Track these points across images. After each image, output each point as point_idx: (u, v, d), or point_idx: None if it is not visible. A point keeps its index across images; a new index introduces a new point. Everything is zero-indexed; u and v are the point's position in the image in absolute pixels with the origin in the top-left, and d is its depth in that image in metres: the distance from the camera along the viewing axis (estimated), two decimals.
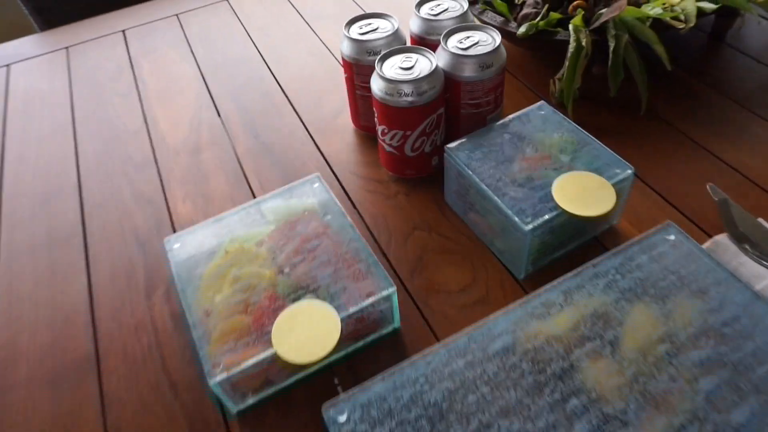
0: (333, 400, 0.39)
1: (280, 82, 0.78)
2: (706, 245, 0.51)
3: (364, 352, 0.48)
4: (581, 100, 0.66)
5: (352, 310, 0.44)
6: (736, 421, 0.36)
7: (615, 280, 0.43)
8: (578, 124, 0.55)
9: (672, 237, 0.45)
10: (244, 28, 0.90)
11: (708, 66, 0.73)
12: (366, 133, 0.68)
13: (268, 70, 0.80)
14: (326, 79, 0.77)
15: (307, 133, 0.70)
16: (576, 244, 0.53)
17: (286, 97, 0.75)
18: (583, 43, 0.60)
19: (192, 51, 0.86)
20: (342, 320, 0.44)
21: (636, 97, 0.64)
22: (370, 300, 0.45)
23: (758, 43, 0.75)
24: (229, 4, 0.96)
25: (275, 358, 0.43)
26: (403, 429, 0.37)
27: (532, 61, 0.76)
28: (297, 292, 0.46)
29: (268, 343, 0.43)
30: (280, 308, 0.45)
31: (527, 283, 0.52)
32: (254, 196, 0.63)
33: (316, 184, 0.54)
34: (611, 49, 0.61)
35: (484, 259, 0.54)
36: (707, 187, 0.55)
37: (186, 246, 0.51)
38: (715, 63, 0.74)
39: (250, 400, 0.46)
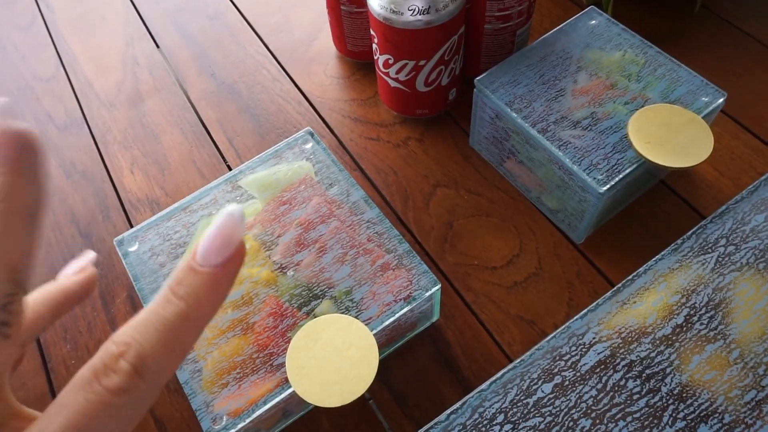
0: None
1: None
2: None
3: (396, 352, 0.38)
4: (619, 1, 0.53)
5: (387, 321, 0.34)
6: None
7: (728, 253, 0.33)
8: None
9: None
10: None
11: None
12: (355, 61, 0.53)
13: None
14: None
15: (277, 65, 0.54)
16: (643, 191, 0.43)
17: (243, 17, 0.59)
18: None
19: None
20: (376, 336, 0.33)
21: None
22: (410, 306, 0.34)
23: None
24: None
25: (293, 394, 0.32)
26: None
27: None
28: (308, 301, 0.35)
29: (283, 378, 0.32)
30: (291, 325, 0.34)
31: (589, 248, 0.41)
32: (222, 157, 0.49)
33: (309, 144, 0.41)
34: None
35: (530, 220, 0.43)
36: None
37: (147, 246, 0.38)
38: None
39: None
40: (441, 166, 0.46)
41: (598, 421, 0.29)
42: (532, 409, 0.30)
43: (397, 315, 0.34)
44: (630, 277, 0.33)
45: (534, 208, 0.43)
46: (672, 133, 0.37)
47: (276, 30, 0.57)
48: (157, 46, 0.57)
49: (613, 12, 0.50)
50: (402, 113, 0.48)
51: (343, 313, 0.34)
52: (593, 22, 0.43)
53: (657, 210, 0.42)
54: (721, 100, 0.38)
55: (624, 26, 0.43)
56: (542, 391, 0.30)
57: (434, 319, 0.39)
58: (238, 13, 0.59)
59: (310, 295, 0.35)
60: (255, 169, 0.40)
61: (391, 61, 0.43)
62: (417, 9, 0.39)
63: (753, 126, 0.46)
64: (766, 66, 0.49)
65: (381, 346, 0.37)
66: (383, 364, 0.38)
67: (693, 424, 0.29)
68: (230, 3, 0.60)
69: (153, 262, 0.37)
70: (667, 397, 0.29)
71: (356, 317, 0.33)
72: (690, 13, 0.53)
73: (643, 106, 0.38)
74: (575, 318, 0.32)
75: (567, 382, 0.30)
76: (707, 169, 0.44)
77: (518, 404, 0.30)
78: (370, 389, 0.37)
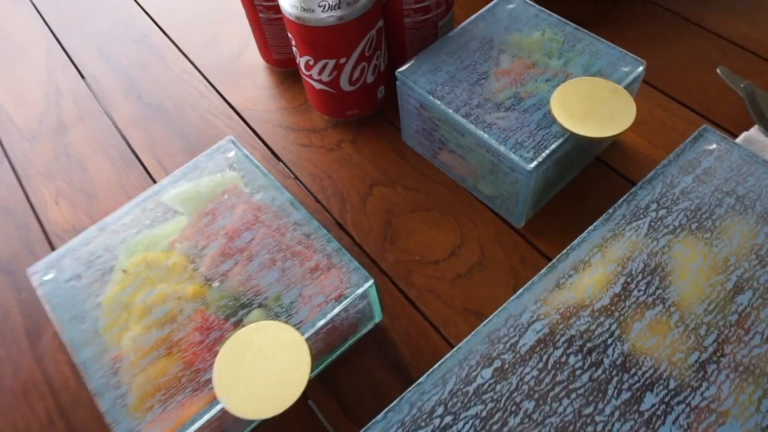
0: None
1: (157, 21, 0.60)
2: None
3: (342, 358, 0.37)
4: None
5: (319, 323, 0.32)
6: None
7: (660, 217, 0.32)
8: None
9: (713, 146, 0.35)
10: None
11: None
12: (284, 69, 0.52)
13: (137, 5, 0.61)
14: (219, 6, 0.60)
15: (205, 82, 0.53)
16: (578, 170, 0.42)
17: (169, 38, 0.58)
18: None
19: None
20: (308, 340, 0.31)
21: None
22: (343, 304, 0.32)
23: None
24: None
25: (224, 414, 0.30)
26: None
27: None
28: (236, 311, 0.33)
29: (211, 394, 0.30)
30: (218, 338, 0.32)
31: (530, 232, 0.40)
32: (153, 179, 0.47)
33: (232, 152, 0.39)
34: None
35: (470, 210, 0.42)
36: (717, 71, 0.45)
37: (67, 273, 0.36)
38: None
39: None
40: (376, 165, 0.45)
41: (541, 402, 0.28)
42: (472, 397, 0.28)
43: (329, 316, 0.32)
44: (564, 251, 0.32)
45: (472, 197, 0.42)
46: (595, 104, 0.36)
47: (203, 47, 0.56)
48: (81, 76, 0.56)
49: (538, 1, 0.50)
50: (332, 116, 0.47)
51: (273, 319, 0.32)
52: (511, 6, 0.43)
53: (594, 187, 0.42)
54: (641, 68, 0.38)
55: (541, 7, 0.42)
56: (482, 377, 0.28)
57: (377, 320, 0.37)
58: (163, 34, 0.58)
59: (238, 305, 0.33)
60: (177, 183, 0.39)
61: (311, 63, 0.42)
62: (328, 5, 0.38)
63: (678, 94, 0.46)
64: (686, 37, 0.50)
65: (321, 352, 0.35)
66: (328, 372, 0.36)
67: (639, 393, 0.27)
68: (155, 26, 0.59)
69: (75, 289, 0.35)
70: (611, 369, 0.28)
71: (286, 322, 0.32)
72: None
73: (564, 82, 0.37)
74: (511, 299, 0.31)
75: (507, 365, 0.29)
76: (639, 141, 0.44)
77: (458, 393, 0.28)
78: (315, 399, 0.36)
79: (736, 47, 0.49)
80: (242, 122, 0.49)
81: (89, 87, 0.54)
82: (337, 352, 0.36)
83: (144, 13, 0.61)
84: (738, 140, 0.41)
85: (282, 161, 0.47)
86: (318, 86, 0.44)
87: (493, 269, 0.39)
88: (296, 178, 0.45)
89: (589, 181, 0.42)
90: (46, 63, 0.57)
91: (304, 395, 0.35)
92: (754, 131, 0.40)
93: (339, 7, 0.38)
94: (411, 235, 0.41)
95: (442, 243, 0.41)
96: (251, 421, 0.34)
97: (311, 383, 0.36)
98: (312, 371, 0.35)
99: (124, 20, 0.60)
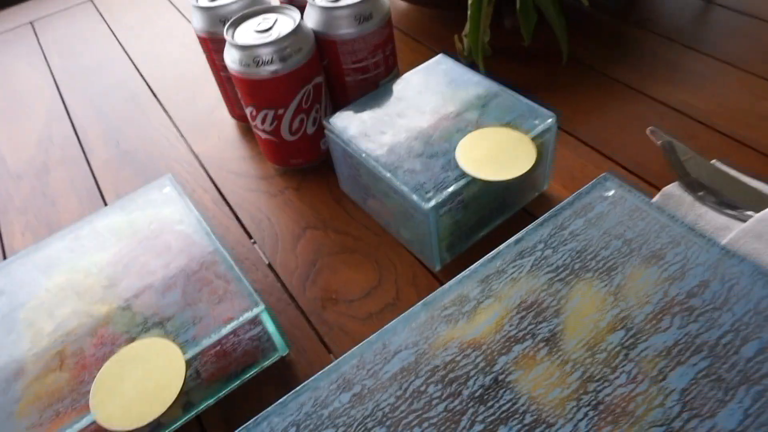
0: None
1: (149, 83, 0.66)
2: (655, 200, 0.41)
3: (242, 388, 0.37)
4: (496, 56, 0.57)
5: (205, 343, 0.33)
6: (725, 427, 0.25)
7: (545, 256, 0.33)
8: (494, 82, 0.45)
9: (611, 192, 0.35)
10: (111, 29, 0.77)
11: (630, 3, 0.64)
12: (247, 124, 0.56)
13: (135, 71, 0.68)
14: (203, 72, 0.66)
15: (177, 133, 0.58)
16: (501, 219, 0.43)
17: (155, 97, 0.63)
18: None
19: (47, 60, 0.73)
20: (191, 360, 0.32)
21: (556, 46, 0.55)
22: (230, 327, 0.33)
23: None
24: (95, 5, 0.83)
25: (98, 426, 0.31)
26: None
27: (434, 21, 0.66)
28: (134, 329, 0.34)
29: (86, 407, 0.31)
30: (109, 353, 0.33)
31: (445, 275, 0.41)
32: None
33: (167, 188, 0.42)
34: None
35: (392, 254, 0.43)
36: (648, 131, 0.46)
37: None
38: None
39: None
40: (313, 210, 0.47)
41: (393, 429, 0.27)
42: (325, 420, 0.28)
43: (215, 336, 0.33)
44: (445, 285, 0.32)
45: (396, 242, 0.44)
46: (498, 151, 0.38)
47: (183, 104, 0.61)
48: (73, 126, 0.61)
49: (486, 65, 0.53)
50: (278, 164, 0.50)
51: (164, 338, 0.33)
52: (443, 66, 0.46)
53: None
54: (551, 120, 0.40)
55: (472, 70, 0.45)
56: (339, 402, 0.28)
57: (282, 353, 0.38)
58: (151, 93, 0.64)
59: (137, 323, 0.35)
60: (113, 214, 0.42)
61: (254, 113, 0.46)
62: (262, 60, 0.42)
63: (613, 153, 0.47)
64: (626, 102, 0.52)
65: (215, 378, 0.36)
66: (227, 401, 0.37)
67: (492, 426, 0.27)
68: (146, 86, 0.65)
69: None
70: (468, 401, 0.28)
71: (173, 341, 0.33)
72: (558, 64, 0.56)
73: (475, 131, 0.39)
74: (385, 327, 0.31)
75: (366, 391, 0.29)
76: (560, 190, 0.44)
77: (312, 416, 0.28)
78: (211, 425, 0.36)
79: (675, 112, 0.50)
80: (201, 168, 0.53)
81: (77, 135, 0.60)
82: (237, 382, 0.37)
83: (140, 77, 0.67)
84: (657, 195, 0.41)
85: (228, 203, 0.49)
86: (263, 135, 0.47)
87: (405, 309, 0.39)
88: (237, 218, 0.48)
89: (511, 232, 0.42)
90: (46, 115, 0.64)
91: (201, 426, 0.36)
92: (674, 186, 0.41)
93: (272, 63, 0.42)
94: (332, 275, 0.42)
95: (360, 284, 0.41)
96: None
97: (211, 419, 0.36)
98: (205, 397, 0.36)
99: (122, 81, 0.67)
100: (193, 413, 0.36)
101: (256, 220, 0.47)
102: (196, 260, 0.37)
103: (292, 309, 0.41)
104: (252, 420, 0.28)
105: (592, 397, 0.27)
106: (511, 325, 0.30)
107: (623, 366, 0.28)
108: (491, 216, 0.42)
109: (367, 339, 0.30)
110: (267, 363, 0.38)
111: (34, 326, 0.36)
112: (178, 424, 0.35)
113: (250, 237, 0.46)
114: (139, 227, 0.40)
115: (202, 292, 0.35)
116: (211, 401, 0.36)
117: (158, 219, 0.40)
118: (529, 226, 0.34)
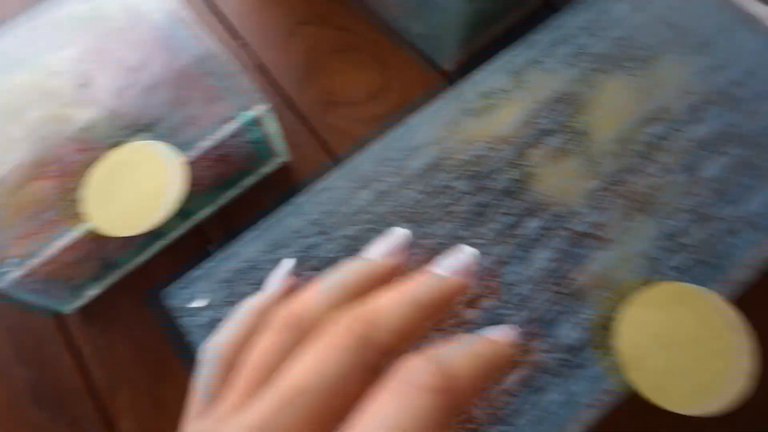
0: (180, 281, 0.26)
1: None
2: None
3: (242, 197, 0.35)
4: None
5: (202, 145, 0.30)
6: (751, 211, 0.25)
7: (585, 44, 0.29)
8: None
9: None
10: None
11: None
12: None
13: None
14: None
15: None
16: (523, 11, 0.38)
17: None
18: None
19: None
20: (189, 163, 0.29)
21: None
22: (230, 127, 0.30)
23: None
24: None
25: (95, 234, 0.28)
26: None
27: None
28: (123, 134, 0.31)
29: (77, 215, 0.29)
30: (95, 158, 0.30)
31: (459, 75, 0.37)
32: None
33: None
34: None
35: (400, 54, 0.38)
36: None
37: None
38: None
39: (92, 291, 0.33)
40: (306, 2, 0.41)
41: (418, 224, 0.26)
42: (345, 219, 0.26)
43: (213, 137, 0.30)
44: (473, 77, 0.29)
45: (405, 41, 0.39)
46: None
47: None
48: None
49: None
50: None
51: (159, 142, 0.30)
52: None
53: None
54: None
55: None
56: (360, 199, 0.27)
57: (283, 158, 0.35)
58: None
59: (122, 127, 0.31)
60: (69, 1, 0.35)
61: None
62: None
63: None
64: None
65: (214, 184, 0.33)
66: (227, 210, 0.35)
67: (519, 218, 0.25)
68: None
69: None
70: (495, 195, 0.26)
71: (169, 143, 0.30)
72: None
73: None
74: (407, 120, 0.28)
75: (388, 187, 0.27)
76: None
77: (333, 215, 0.26)
78: (214, 239, 0.34)
79: None
80: None
81: None
82: (237, 190, 0.35)
83: None
84: None
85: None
86: None
87: (414, 111, 0.36)
88: (221, 12, 0.42)
89: (534, 26, 0.38)
90: None
91: (202, 233, 0.34)
92: None
93: None
94: (333, 75, 0.38)
95: (364, 85, 0.38)
96: (139, 251, 0.33)
97: (211, 228, 0.34)
98: (204, 205, 0.34)
99: None
100: (191, 221, 0.34)
101: (243, 15, 0.41)
102: (183, 55, 0.32)
103: (291, 112, 0.37)
104: (268, 217, 0.27)
105: (626, 188, 0.26)
106: (543, 118, 0.27)
107: (657, 157, 0.26)
108: (513, 4, 0.37)
109: (386, 134, 0.28)
110: (267, 170, 0.35)
111: (2, 133, 0.32)
112: (178, 232, 0.34)
113: (236, 36, 0.41)
114: (107, 17, 0.34)
115: (196, 91, 0.31)
116: (208, 210, 0.34)
117: (128, 7, 0.34)
118: (568, 11, 0.30)
